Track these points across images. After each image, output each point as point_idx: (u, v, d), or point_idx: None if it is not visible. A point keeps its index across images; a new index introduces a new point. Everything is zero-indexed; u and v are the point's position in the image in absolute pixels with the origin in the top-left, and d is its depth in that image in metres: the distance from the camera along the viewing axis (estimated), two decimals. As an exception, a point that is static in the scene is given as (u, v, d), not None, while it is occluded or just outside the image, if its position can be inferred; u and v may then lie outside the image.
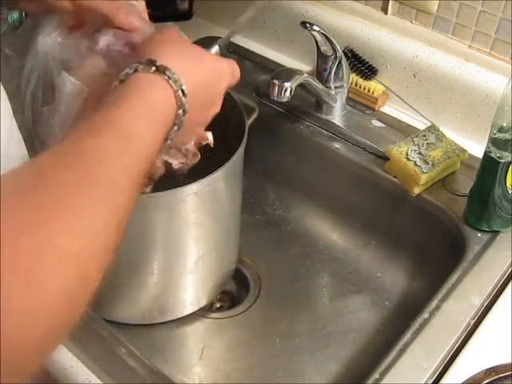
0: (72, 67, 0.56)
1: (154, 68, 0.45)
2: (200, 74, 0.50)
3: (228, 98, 0.72)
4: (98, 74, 0.56)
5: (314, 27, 0.80)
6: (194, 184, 0.63)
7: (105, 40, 0.56)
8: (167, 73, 0.45)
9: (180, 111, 0.47)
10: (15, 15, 0.62)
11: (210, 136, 0.60)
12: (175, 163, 0.59)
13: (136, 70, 0.45)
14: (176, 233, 0.68)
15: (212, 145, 0.60)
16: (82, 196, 0.36)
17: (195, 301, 0.78)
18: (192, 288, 0.76)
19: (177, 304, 0.77)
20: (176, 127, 0.47)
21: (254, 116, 0.79)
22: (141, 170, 0.41)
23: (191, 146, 0.58)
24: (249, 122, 0.72)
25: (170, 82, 0.45)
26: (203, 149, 0.60)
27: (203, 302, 0.79)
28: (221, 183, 0.68)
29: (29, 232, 0.32)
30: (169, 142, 0.48)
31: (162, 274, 0.72)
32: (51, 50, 0.57)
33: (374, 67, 0.91)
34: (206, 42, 1.04)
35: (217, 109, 0.55)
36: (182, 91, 0.46)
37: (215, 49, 0.61)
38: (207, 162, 0.63)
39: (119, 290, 0.73)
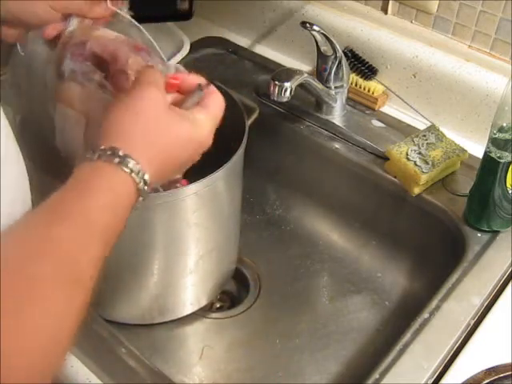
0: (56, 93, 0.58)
1: (117, 159, 0.45)
2: (168, 150, 0.49)
3: (228, 97, 0.72)
4: (80, 98, 0.57)
5: (314, 27, 0.80)
6: (194, 184, 0.63)
7: (67, 66, 0.57)
8: (129, 165, 0.45)
9: (140, 199, 0.47)
10: None
11: None
12: None
13: (99, 157, 0.45)
14: (176, 233, 0.68)
15: None
16: (52, 289, 0.38)
17: (195, 301, 0.78)
18: (192, 288, 0.76)
19: (177, 304, 0.77)
20: (135, 209, 0.48)
21: (254, 116, 0.79)
22: (105, 251, 0.43)
23: None
24: (249, 122, 0.72)
25: (133, 175, 0.45)
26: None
27: (203, 302, 0.79)
28: (221, 183, 0.68)
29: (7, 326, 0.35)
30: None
31: (162, 274, 0.72)
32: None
33: (374, 67, 0.91)
34: (206, 42, 1.05)
35: (198, 157, 0.53)
36: (144, 181, 0.46)
37: (199, 95, 0.53)
38: (207, 162, 0.63)
39: (119, 290, 0.73)
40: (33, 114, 0.64)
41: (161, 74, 0.52)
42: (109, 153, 0.45)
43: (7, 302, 0.36)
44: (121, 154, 0.45)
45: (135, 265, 0.70)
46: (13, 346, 0.35)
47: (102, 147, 0.45)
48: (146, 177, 0.46)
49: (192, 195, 0.64)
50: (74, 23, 0.58)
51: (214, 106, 0.53)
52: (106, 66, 0.57)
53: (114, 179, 0.45)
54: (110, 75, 0.57)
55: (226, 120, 0.59)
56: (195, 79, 0.54)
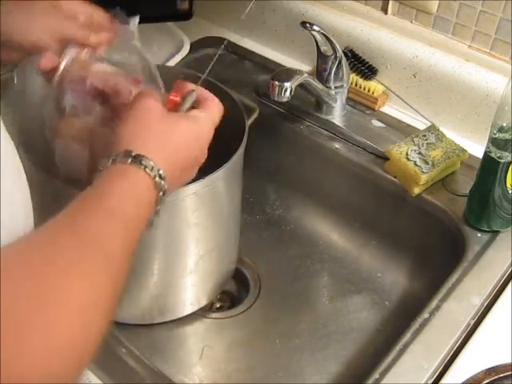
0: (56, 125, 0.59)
1: (130, 159, 0.47)
2: (178, 149, 0.52)
3: (228, 97, 0.72)
4: (82, 131, 0.58)
5: (314, 27, 0.80)
6: (194, 184, 0.63)
7: (67, 102, 0.58)
8: (143, 162, 0.47)
9: (160, 194, 0.49)
10: None
11: None
12: None
13: (114, 161, 0.47)
14: (176, 233, 0.68)
15: None
16: (82, 277, 0.39)
17: (195, 301, 0.78)
18: (192, 288, 0.76)
19: (177, 304, 0.77)
20: (159, 207, 0.50)
21: (254, 116, 0.79)
22: (131, 244, 0.46)
23: None
24: (249, 122, 0.72)
25: (147, 170, 0.47)
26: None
27: (203, 302, 0.79)
28: (221, 183, 0.68)
29: (36, 312, 0.35)
30: (156, 217, 0.50)
31: (162, 274, 0.72)
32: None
33: (374, 67, 0.91)
34: (206, 42, 1.05)
35: (204, 156, 0.56)
36: (160, 176, 0.48)
37: (192, 97, 0.56)
38: (207, 161, 0.63)
39: (119, 290, 0.73)
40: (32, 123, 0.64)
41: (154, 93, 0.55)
42: (122, 155, 0.47)
43: (34, 289, 0.36)
44: (133, 154, 0.47)
45: (135, 265, 0.69)
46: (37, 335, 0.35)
47: (115, 153, 0.48)
48: (161, 172, 0.48)
49: (192, 195, 0.64)
50: (71, 52, 0.59)
51: (213, 108, 0.56)
52: (105, 97, 0.58)
53: (132, 177, 0.47)
54: (112, 106, 0.59)
55: (226, 120, 0.60)
56: (186, 85, 0.57)
